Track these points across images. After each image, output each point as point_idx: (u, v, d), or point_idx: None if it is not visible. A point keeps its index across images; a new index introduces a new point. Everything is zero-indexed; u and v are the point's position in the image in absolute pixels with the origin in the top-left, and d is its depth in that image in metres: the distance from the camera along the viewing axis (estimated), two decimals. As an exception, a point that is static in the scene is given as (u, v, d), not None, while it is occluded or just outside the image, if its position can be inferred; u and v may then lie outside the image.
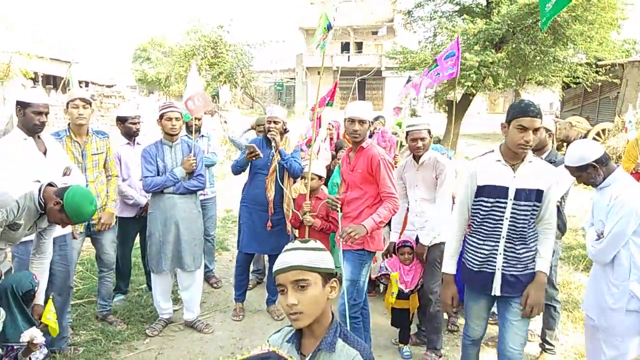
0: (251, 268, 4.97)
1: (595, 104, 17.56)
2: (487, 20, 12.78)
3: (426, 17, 15.79)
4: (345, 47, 33.63)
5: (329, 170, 5.22)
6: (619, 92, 15.66)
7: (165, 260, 3.69)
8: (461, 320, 4.10)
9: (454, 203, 4.03)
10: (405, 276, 3.49)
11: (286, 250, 1.47)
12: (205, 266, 4.77)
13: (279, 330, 1.59)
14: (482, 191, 2.50)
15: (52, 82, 22.78)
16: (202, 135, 4.65)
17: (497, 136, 12.35)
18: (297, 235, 4.13)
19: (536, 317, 2.58)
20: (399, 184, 3.56)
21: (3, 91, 10.28)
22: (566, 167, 2.71)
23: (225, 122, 14.76)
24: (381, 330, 3.89)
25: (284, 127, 4.00)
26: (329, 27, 3.33)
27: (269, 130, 3.89)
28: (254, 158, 3.83)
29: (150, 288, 4.17)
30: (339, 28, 29.49)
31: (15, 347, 2.44)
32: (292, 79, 35.17)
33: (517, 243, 2.47)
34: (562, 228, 3.35)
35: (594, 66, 14.78)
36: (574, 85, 16.69)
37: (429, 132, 3.41)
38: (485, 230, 2.53)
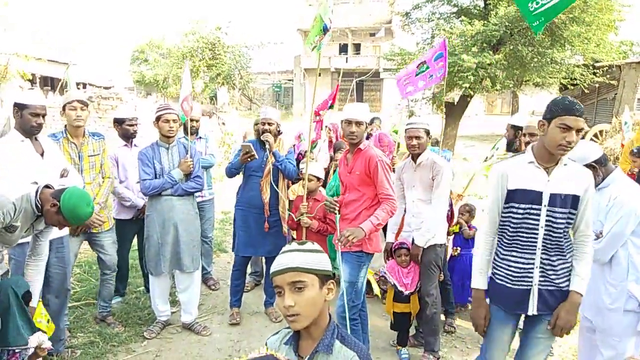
0: (249, 270, 4.97)
1: (593, 105, 17.64)
2: (485, 21, 12.81)
3: (424, 19, 15.83)
4: (343, 49, 33.63)
5: (327, 172, 5.23)
6: (616, 94, 15.73)
7: (164, 262, 3.68)
8: (458, 322, 4.10)
9: (450, 204, 4.05)
10: (405, 278, 3.49)
11: (283, 252, 1.47)
12: (203, 268, 4.76)
13: (276, 333, 1.59)
14: (513, 196, 2.29)
15: (49, 83, 22.75)
16: (200, 137, 4.64)
17: (495, 137, 12.35)
18: (294, 237, 4.12)
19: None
20: (397, 185, 3.56)
21: (0, 93, 10.27)
22: None
23: (224, 123, 14.75)
24: (379, 332, 3.88)
25: (278, 129, 3.99)
26: (325, 29, 3.31)
27: (263, 132, 3.89)
28: (249, 160, 3.80)
29: (148, 290, 4.16)
30: (337, 30, 29.51)
31: (17, 351, 2.41)
32: (290, 80, 35.13)
33: (553, 254, 2.26)
34: None
35: (591, 68, 14.83)
36: (572, 87, 16.73)
37: (428, 132, 3.40)
38: (519, 240, 2.30)
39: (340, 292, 3.06)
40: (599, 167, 2.60)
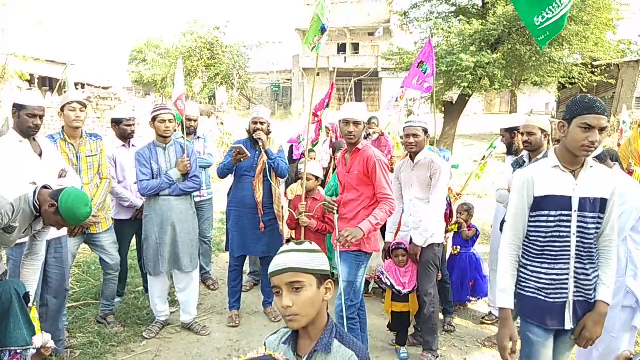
0: (248, 270, 4.97)
1: (591, 104, 17.61)
2: (483, 21, 12.83)
3: (422, 18, 15.86)
4: (341, 48, 33.63)
5: (327, 172, 5.23)
6: (614, 93, 15.75)
7: (163, 262, 3.68)
8: (457, 321, 4.11)
9: (449, 203, 4.06)
10: (402, 278, 3.50)
11: (281, 252, 1.47)
12: (202, 268, 4.76)
13: (275, 332, 1.59)
14: (542, 203, 2.13)
15: (48, 84, 22.72)
16: (198, 137, 4.64)
17: (494, 137, 12.37)
18: (293, 236, 4.12)
19: None
20: (396, 184, 3.56)
21: (-1, 93, 10.24)
22: None
23: (222, 123, 14.73)
24: (378, 332, 3.89)
25: (268, 128, 3.99)
26: (323, 29, 3.31)
27: (255, 131, 3.89)
28: (241, 159, 3.80)
29: (146, 290, 4.16)
30: (335, 29, 29.51)
31: (18, 351, 2.41)
32: (288, 80, 35.10)
33: (587, 263, 2.12)
34: None
35: (589, 67, 14.87)
36: (570, 86, 16.78)
37: (426, 131, 3.40)
38: (551, 250, 2.14)
39: (338, 292, 3.06)
40: (599, 164, 2.61)
